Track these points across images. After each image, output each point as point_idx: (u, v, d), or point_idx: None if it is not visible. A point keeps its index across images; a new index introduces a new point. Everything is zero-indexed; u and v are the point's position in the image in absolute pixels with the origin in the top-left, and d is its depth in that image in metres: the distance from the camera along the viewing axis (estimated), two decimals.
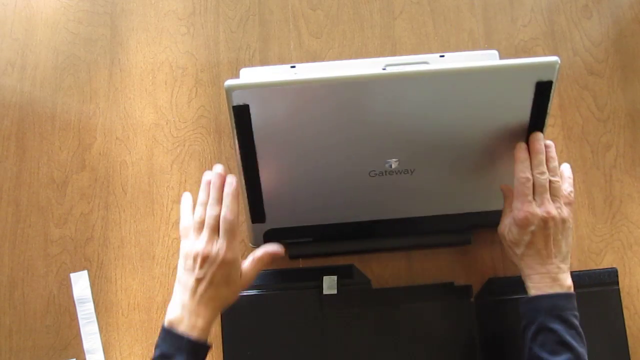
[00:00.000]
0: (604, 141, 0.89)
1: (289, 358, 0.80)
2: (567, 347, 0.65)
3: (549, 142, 0.72)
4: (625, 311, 0.81)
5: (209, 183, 0.71)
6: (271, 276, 0.83)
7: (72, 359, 0.82)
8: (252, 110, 0.67)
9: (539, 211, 0.69)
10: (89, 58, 0.93)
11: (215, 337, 0.79)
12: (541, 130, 0.71)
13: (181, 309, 0.66)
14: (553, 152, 0.72)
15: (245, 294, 0.81)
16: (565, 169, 0.76)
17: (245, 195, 0.75)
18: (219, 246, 0.67)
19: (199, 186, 0.70)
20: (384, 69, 0.68)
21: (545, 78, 0.67)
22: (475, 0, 0.95)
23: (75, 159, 0.89)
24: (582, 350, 0.66)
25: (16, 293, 0.84)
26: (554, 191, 0.71)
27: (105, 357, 0.82)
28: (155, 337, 0.65)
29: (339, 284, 0.81)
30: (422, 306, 0.80)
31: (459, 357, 0.80)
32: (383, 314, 0.80)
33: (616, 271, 0.82)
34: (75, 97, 0.91)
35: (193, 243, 0.68)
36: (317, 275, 0.82)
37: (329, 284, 0.81)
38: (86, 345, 0.82)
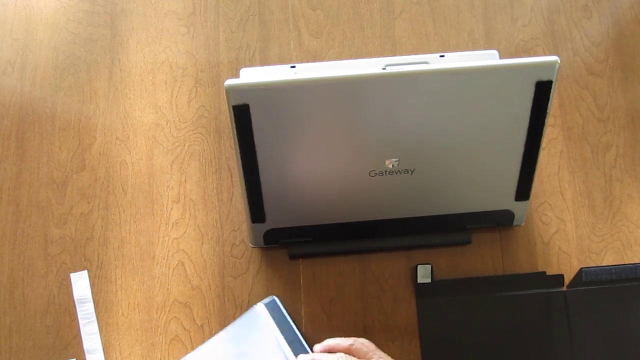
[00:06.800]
0: (604, 141, 0.89)
1: None
2: None
3: None
4: None
5: None
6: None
7: (72, 359, 0.82)
8: (252, 110, 0.67)
9: None
10: (89, 58, 0.93)
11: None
12: (541, 130, 0.71)
13: None
14: None
15: None
16: None
17: (245, 195, 0.75)
18: None
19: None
20: (384, 69, 0.68)
21: (545, 78, 0.68)
22: (475, 0, 0.95)
23: (75, 159, 0.89)
24: None
25: (16, 293, 0.84)
26: None
27: (105, 357, 0.82)
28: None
29: None
30: (516, 295, 0.81)
31: (554, 344, 0.80)
32: (477, 302, 0.81)
33: None
34: (75, 97, 0.91)
35: None
36: None
37: (423, 273, 0.81)
38: (86, 345, 0.82)
